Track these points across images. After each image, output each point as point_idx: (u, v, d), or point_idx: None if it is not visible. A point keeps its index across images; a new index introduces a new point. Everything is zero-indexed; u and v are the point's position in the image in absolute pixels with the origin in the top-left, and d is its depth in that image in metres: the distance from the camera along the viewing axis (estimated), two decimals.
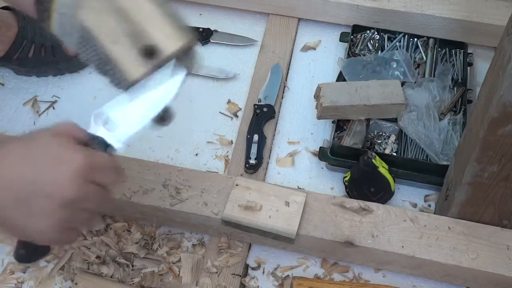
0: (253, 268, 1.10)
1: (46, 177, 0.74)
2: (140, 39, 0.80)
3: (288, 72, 1.38)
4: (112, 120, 0.80)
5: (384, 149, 1.22)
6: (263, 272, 1.10)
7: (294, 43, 1.42)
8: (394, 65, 1.31)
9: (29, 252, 0.82)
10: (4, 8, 1.32)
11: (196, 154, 1.25)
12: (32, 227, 0.75)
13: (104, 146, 0.79)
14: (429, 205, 1.19)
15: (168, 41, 0.80)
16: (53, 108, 1.31)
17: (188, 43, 0.81)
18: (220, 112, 1.31)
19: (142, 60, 0.79)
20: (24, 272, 1.09)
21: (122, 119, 0.80)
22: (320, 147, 1.22)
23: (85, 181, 0.75)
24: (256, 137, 1.24)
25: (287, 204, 1.06)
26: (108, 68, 0.81)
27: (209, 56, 1.40)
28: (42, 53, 1.31)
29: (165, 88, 0.82)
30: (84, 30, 0.80)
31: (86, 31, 0.80)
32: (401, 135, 1.22)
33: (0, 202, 0.74)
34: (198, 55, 0.85)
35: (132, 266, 1.09)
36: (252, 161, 1.20)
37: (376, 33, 1.38)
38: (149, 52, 0.79)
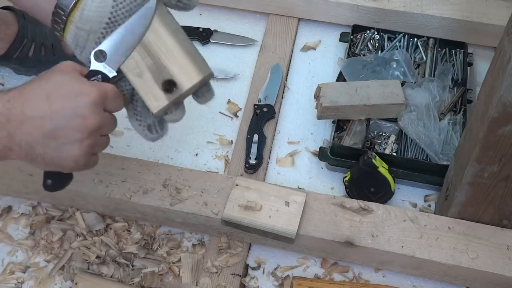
0: (253, 268, 1.10)
1: (69, 111, 0.81)
2: (161, 73, 0.87)
3: (288, 72, 1.38)
4: (108, 55, 0.87)
5: (384, 149, 1.22)
6: (263, 272, 1.10)
7: (294, 43, 1.42)
8: (394, 65, 1.31)
9: (55, 181, 0.91)
10: (4, 7, 1.32)
11: (196, 154, 1.25)
12: (64, 157, 0.83)
13: (106, 79, 0.87)
14: (429, 205, 1.19)
15: (187, 76, 0.87)
16: None
17: (204, 79, 0.88)
18: (220, 112, 1.31)
19: (164, 95, 0.87)
20: (24, 272, 1.09)
21: (115, 50, 0.87)
22: (320, 147, 1.22)
23: (102, 110, 0.84)
24: (256, 137, 1.24)
25: (287, 204, 1.06)
26: (135, 99, 0.90)
27: (209, 56, 1.39)
28: (42, 52, 1.31)
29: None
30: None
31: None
32: (401, 135, 1.22)
33: (31, 140, 0.81)
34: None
35: (132, 266, 1.09)
36: (252, 161, 1.20)
37: (376, 33, 1.38)
38: (169, 87, 0.87)
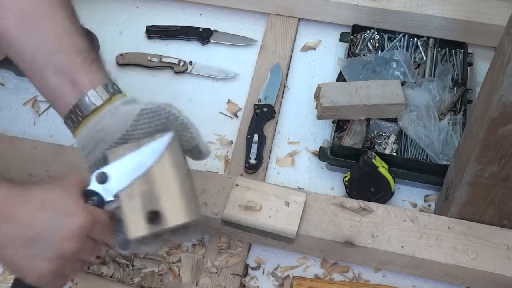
0: (253, 268, 1.10)
1: (53, 227, 0.79)
2: (151, 203, 0.83)
3: (288, 72, 1.38)
4: (111, 179, 0.84)
5: (384, 149, 1.22)
6: (263, 272, 1.10)
7: (294, 43, 1.42)
8: (394, 65, 1.31)
9: None
10: None
11: None
12: (30, 269, 0.80)
13: (101, 202, 0.83)
14: (429, 205, 1.19)
15: (175, 215, 0.83)
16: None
17: (190, 222, 0.85)
18: (220, 112, 1.31)
19: (145, 224, 0.83)
20: None
21: (118, 176, 0.84)
22: (320, 147, 1.22)
23: (86, 237, 0.81)
24: (256, 137, 1.24)
25: (287, 204, 1.06)
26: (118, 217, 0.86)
27: (209, 56, 1.40)
28: None
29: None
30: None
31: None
32: (401, 135, 1.22)
33: (8, 241, 0.79)
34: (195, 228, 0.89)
35: (132, 266, 1.09)
36: (252, 161, 1.20)
37: (376, 33, 1.38)
38: (154, 218, 0.83)
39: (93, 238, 0.82)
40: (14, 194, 0.80)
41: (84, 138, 0.85)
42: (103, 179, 0.83)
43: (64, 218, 0.79)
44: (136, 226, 0.83)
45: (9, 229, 0.79)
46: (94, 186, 0.83)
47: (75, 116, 0.85)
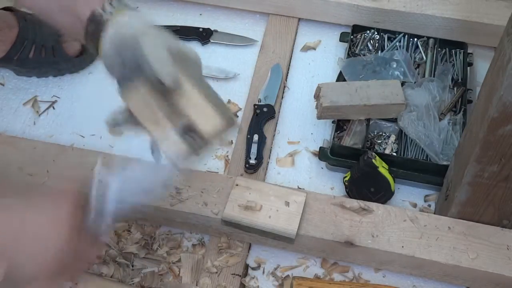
0: (253, 268, 1.10)
1: (27, 250, 0.77)
2: (181, 120, 0.81)
3: (288, 72, 1.38)
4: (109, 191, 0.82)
5: (384, 149, 1.22)
6: (263, 272, 1.10)
7: (294, 43, 1.42)
8: (394, 65, 1.31)
9: None
10: (5, 8, 1.32)
11: None
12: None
13: (100, 216, 0.82)
14: (429, 205, 1.19)
15: (209, 123, 0.81)
16: (53, 108, 1.31)
17: (227, 125, 0.83)
18: None
19: (182, 141, 0.81)
20: None
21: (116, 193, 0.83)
22: (320, 147, 1.22)
23: (61, 263, 0.78)
24: (256, 137, 1.24)
25: (287, 204, 1.06)
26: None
27: (209, 56, 1.40)
28: (43, 53, 1.31)
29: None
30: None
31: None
32: (401, 135, 1.22)
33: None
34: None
35: (132, 266, 1.09)
36: (252, 161, 1.20)
37: (376, 33, 1.38)
38: (188, 134, 0.81)
39: (69, 264, 0.80)
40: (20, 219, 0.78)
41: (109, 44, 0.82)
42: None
43: (41, 244, 0.77)
44: (174, 146, 0.80)
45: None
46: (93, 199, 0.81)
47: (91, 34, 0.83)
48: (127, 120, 0.84)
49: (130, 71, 0.82)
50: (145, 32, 0.81)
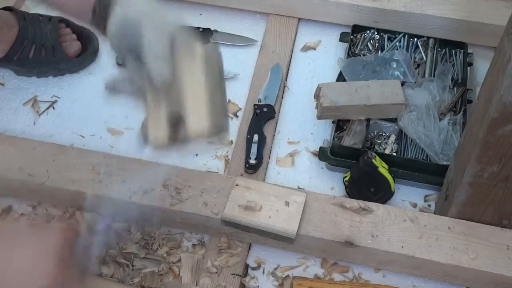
0: (253, 268, 1.10)
1: (14, 286, 0.76)
2: (176, 107, 0.82)
3: (288, 72, 1.38)
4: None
5: (384, 149, 1.22)
6: (263, 272, 1.10)
7: (294, 43, 1.42)
8: (394, 65, 1.31)
9: None
10: (5, 8, 1.32)
11: (196, 154, 1.24)
12: None
13: (91, 257, 0.83)
14: (429, 205, 1.19)
15: (197, 123, 0.82)
16: (53, 108, 1.31)
17: (214, 132, 0.83)
18: None
19: (168, 131, 0.82)
20: None
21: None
22: (320, 147, 1.22)
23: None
24: (256, 137, 1.24)
25: (287, 204, 1.06)
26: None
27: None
28: (43, 53, 1.31)
29: None
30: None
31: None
32: (401, 135, 1.22)
33: None
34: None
35: (132, 266, 1.09)
36: (252, 161, 1.20)
37: (376, 33, 1.38)
38: (176, 124, 0.82)
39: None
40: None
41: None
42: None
43: (28, 279, 0.76)
44: (157, 129, 0.82)
45: None
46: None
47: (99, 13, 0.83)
48: (126, 89, 0.84)
49: (135, 54, 0.81)
50: (150, 17, 0.81)
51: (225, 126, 0.86)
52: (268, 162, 1.24)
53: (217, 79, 0.85)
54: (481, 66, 1.37)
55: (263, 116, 1.27)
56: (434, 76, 1.29)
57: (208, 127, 0.82)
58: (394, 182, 1.15)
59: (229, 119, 0.88)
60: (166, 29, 0.82)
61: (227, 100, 1.31)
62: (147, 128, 0.83)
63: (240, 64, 1.39)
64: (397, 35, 1.38)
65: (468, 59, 1.33)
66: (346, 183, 1.17)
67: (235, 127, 1.28)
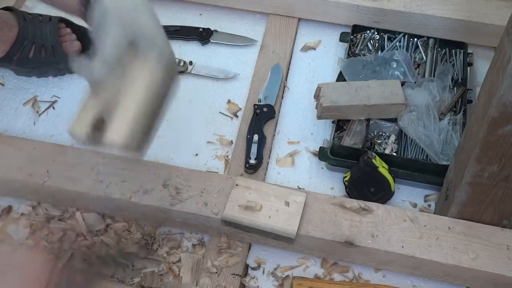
0: (253, 268, 1.10)
1: None
2: (102, 115, 0.81)
3: (288, 72, 1.38)
4: None
5: (384, 149, 1.22)
6: (263, 272, 1.10)
7: (294, 43, 1.42)
8: (394, 65, 1.31)
9: None
10: (5, 8, 1.32)
11: (196, 154, 1.25)
12: None
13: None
14: (429, 205, 1.19)
15: (115, 133, 0.81)
16: (53, 108, 1.31)
17: (130, 148, 0.82)
18: (220, 112, 1.31)
19: (89, 129, 0.82)
20: None
21: None
22: (320, 147, 1.22)
23: None
24: (256, 137, 1.24)
25: (287, 204, 1.06)
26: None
27: (209, 56, 1.40)
28: (43, 53, 1.31)
29: None
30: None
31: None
32: (401, 135, 1.22)
33: None
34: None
35: (132, 266, 1.09)
36: (252, 161, 1.20)
37: (376, 33, 1.38)
38: (98, 128, 0.81)
39: None
40: None
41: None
42: None
43: None
44: (81, 122, 0.81)
45: None
46: None
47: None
48: (85, 74, 0.84)
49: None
50: (122, 13, 0.82)
51: (141, 148, 0.85)
52: (268, 162, 1.24)
53: (159, 103, 0.84)
54: (481, 66, 1.37)
55: (263, 116, 1.27)
56: (434, 76, 1.29)
57: (122, 142, 0.81)
58: (394, 182, 1.15)
59: (150, 144, 0.88)
60: (129, 31, 0.83)
61: (227, 100, 1.32)
62: (74, 117, 0.82)
63: (240, 64, 1.39)
64: (397, 35, 1.38)
65: (468, 59, 1.33)
66: (346, 183, 1.17)
67: (235, 127, 1.28)
